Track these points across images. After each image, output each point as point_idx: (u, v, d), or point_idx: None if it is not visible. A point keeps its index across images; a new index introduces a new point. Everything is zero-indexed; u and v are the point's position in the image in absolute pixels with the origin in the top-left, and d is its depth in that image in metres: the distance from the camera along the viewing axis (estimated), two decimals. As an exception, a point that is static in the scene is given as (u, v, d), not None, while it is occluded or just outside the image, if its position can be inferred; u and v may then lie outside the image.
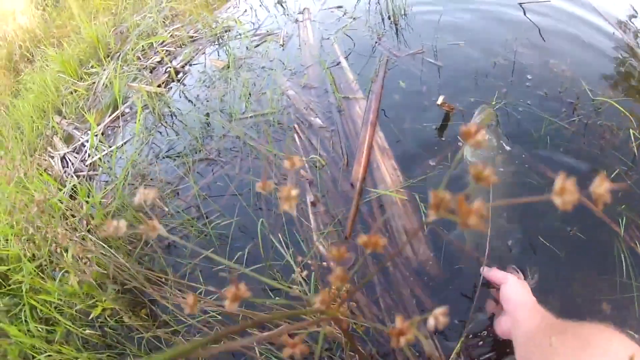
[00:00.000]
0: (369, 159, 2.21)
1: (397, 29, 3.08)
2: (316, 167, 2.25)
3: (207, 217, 2.23)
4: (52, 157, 3.45)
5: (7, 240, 2.37)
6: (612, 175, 1.88)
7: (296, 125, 2.53)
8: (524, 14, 2.96)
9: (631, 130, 2.01)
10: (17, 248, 2.21)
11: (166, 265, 2.11)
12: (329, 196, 2.12)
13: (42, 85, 4.57)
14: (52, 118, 4.01)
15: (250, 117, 2.70)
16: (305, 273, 1.78)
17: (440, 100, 2.20)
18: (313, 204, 2.09)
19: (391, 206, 1.99)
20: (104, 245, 1.99)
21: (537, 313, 1.22)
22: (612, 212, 1.76)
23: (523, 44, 2.68)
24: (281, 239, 1.97)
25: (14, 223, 2.31)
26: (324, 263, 1.88)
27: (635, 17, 2.91)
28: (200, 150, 2.65)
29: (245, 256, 1.98)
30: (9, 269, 2.29)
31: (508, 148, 2.04)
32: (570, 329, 1.02)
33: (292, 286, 1.78)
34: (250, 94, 2.86)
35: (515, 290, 1.33)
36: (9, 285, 2.23)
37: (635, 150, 1.96)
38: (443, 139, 2.21)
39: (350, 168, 2.20)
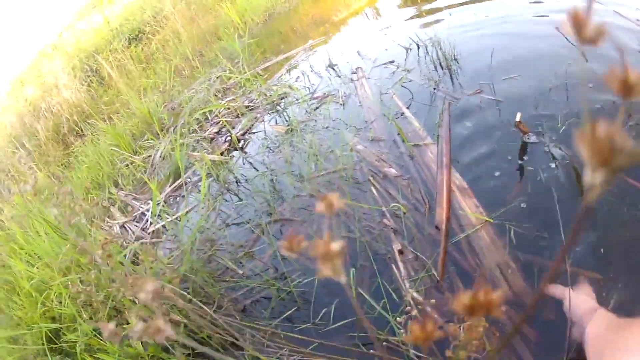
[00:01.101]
0: (450, 200, 2.20)
1: (451, 74, 3.15)
2: (397, 215, 2.24)
3: (287, 277, 2.20)
4: (111, 227, 3.49)
5: (60, 301, 2.39)
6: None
7: (371, 177, 2.54)
8: (564, 36, 3.00)
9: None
10: (72, 308, 2.23)
11: (243, 327, 2.05)
12: (416, 242, 2.09)
13: (95, 158, 4.72)
14: (108, 190, 4.10)
15: (322, 175, 2.73)
16: (402, 319, 1.73)
17: (518, 117, 2.24)
18: (400, 252, 2.06)
19: (480, 243, 1.95)
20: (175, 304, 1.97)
21: (601, 317, 1.26)
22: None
23: (570, 63, 2.71)
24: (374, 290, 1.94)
25: (69, 283, 2.33)
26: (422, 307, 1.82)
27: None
28: (272, 213, 2.66)
29: (332, 313, 1.94)
30: (61, 328, 2.31)
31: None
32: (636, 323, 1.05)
33: (390, 337, 1.73)
34: (318, 154, 2.90)
35: (575, 304, 1.42)
36: (60, 344, 2.25)
37: None
38: (520, 167, 2.21)
39: (432, 212, 2.19)
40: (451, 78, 3.10)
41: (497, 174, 2.21)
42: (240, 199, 2.94)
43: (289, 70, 4.50)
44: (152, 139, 4.55)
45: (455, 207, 2.16)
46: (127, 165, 4.45)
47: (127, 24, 9.58)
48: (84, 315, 2.19)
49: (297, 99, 3.74)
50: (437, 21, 4.11)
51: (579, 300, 1.44)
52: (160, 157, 4.20)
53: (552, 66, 2.71)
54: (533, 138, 2.26)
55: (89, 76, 8.85)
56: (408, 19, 4.51)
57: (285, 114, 3.61)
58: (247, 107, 4.10)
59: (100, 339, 2.05)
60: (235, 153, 3.54)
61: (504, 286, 1.77)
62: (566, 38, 2.98)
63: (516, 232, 1.90)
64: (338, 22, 5.62)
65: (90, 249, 2.15)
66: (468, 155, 2.42)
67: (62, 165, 6.05)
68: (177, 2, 8.46)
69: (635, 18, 2.90)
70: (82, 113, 7.31)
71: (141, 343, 1.89)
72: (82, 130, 6.87)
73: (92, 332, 2.10)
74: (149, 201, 3.59)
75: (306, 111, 3.50)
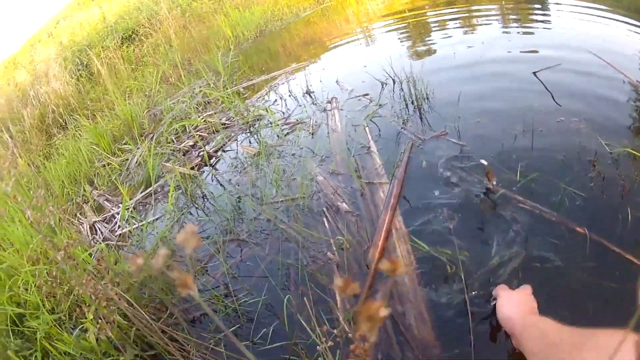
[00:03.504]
0: (386, 242, 2.33)
1: (420, 113, 3.32)
2: (342, 248, 2.38)
3: (235, 295, 2.33)
4: (82, 224, 3.61)
5: (26, 288, 2.53)
6: (630, 221, 1.98)
7: (325, 209, 2.69)
8: (539, 80, 3.22)
9: (651, 172, 2.13)
10: (37, 297, 2.37)
11: (190, 336, 2.15)
12: (354, 277, 2.20)
13: (75, 153, 4.86)
14: (84, 187, 4.23)
15: (281, 201, 2.89)
16: (330, 344, 1.83)
17: (485, 163, 2.39)
18: (340, 285, 2.19)
19: (402, 289, 2.07)
20: (130, 305, 2.07)
21: (527, 328, 1.29)
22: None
23: (540, 110, 2.88)
24: (310, 318, 2.02)
25: (37, 272, 2.48)
26: (349, 335, 1.93)
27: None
28: (231, 232, 2.80)
29: (269, 334, 2.06)
30: (25, 314, 2.43)
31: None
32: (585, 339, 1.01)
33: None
34: (281, 180, 3.08)
35: (500, 309, 1.47)
36: (23, 328, 2.37)
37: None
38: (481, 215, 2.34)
39: (372, 251, 2.34)
40: (420, 117, 3.27)
41: (443, 222, 2.33)
42: (206, 214, 3.07)
43: (268, 92, 4.69)
44: (130, 144, 4.69)
45: (390, 250, 2.29)
46: (104, 165, 4.57)
47: (122, 22, 9.74)
48: (47, 305, 2.31)
49: (270, 123, 3.91)
50: (418, 55, 4.32)
51: (500, 305, 1.48)
52: (136, 163, 4.34)
53: (522, 114, 2.88)
54: (496, 187, 2.38)
55: (79, 70, 8.97)
56: (393, 47, 4.73)
57: (257, 135, 3.78)
58: (223, 124, 4.27)
59: (59, 330, 2.18)
60: (205, 169, 3.69)
61: (413, 331, 1.90)
62: (542, 82, 3.16)
63: (440, 284, 2.03)
64: (328, 43, 5.81)
65: (59, 244, 2.27)
66: (420, 197, 2.55)
67: (43, 154, 6.17)
68: (172, 7, 8.63)
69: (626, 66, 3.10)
70: (68, 106, 7.43)
71: (95, 339, 1.99)
72: (65, 123, 6.99)
73: (52, 322, 2.23)
74: (121, 204, 3.71)
75: (277, 136, 3.66)
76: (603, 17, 4.44)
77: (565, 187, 2.25)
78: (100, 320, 1.94)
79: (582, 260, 1.91)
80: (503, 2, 5.32)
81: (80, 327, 2.13)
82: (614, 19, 4.28)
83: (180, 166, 3.71)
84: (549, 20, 4.57)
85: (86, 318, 1.98)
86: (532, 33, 4.31)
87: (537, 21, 4.61)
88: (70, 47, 10.24)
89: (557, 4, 5.14)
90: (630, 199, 2.10)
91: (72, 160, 4.82)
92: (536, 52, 3.75)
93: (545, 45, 3.85)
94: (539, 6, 5.18)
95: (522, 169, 2.43)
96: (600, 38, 3.74)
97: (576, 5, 4.83)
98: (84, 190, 4.20)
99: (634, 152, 2.26)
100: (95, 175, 4.50)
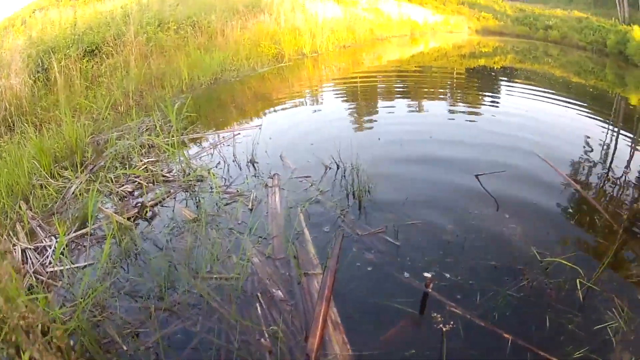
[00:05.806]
0: (323, 332, 2.18)
1: (360, 205, 3.15)
2: (276, 338, 2.17)
3: None
4: (14, 246, 3.18)
5: None
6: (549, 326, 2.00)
7: (259, 294, 2.45)
8: (480, 184, 3.22)
9: (578, 280, 2.16)
10: None
11: None
12: None
13: (16, 163, 4.29)
14: (20, 204, 3.76)
15: (215, 278, 2.59)
16: None
17: (429, 275, 2.28)
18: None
19: None
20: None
21: None
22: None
23: (477, 215, 2.85)
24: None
25: None
26: None
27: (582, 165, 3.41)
28: (162, 299, 2.47)
29: None
30: None
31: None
32: None
33: None
34: (217, 256, 2.75)
35: None
36: None
37: (581, 296, 2.14)
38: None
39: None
40: (359, 209, 3.10)
41: (376, 315, 2.27)
42: (139, 274, 2.72)
43: (212, 151, 4.37)
44: (70, 171, 4.24)
45: (325, 340, 2.14)
46: (42, 187, 4.10)
47: (90, 34, 9.04)
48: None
49: (211, 188, 3.57)
50: (365, 138, 4.27)
51: None
52: (72, 194, 3.92)
53: (459, 218, 2.84)
54: (434, 293, 2.30)
55: (38, 72, 8.22)
56: (342, 124, 4.68)
57: (197, 198, 3.45)
58: (164, 177, 3.86)
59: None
60: (141, 222, 3.29)
61: None
62: (483, 187, 3.13)
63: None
64: (277, 103, 5.64)
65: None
66: (351, 292, 2.43)
67: (-15, 153, 5.52)
68: (140, 32, 8.12)
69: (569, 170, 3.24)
70: (20, 108, 6.77)
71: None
72: (14, 125, 6.34)
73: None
74: (52, 237, 3.30)
75: (216, 204, 3.33)
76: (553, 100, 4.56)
77: (499, 292, 2.23)
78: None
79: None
80: (454, 79, 5.38)
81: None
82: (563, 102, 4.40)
83: (117, 212, 3.36)
84: (497, 104, 4.64)
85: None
86: (476, 122, 4.36)
87: (485, 104, 4.67)
88: (37, 45, 9.45)
89: (508, 85, 5.25)
90: (555, 306, 2.12)
91: (13, 171, 4.30)
92: (482, 149, 3.79)
93: (491, 138, 3.95)
94: (488, 91, 5.27)
95: (454, 275, 2.38)
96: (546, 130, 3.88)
97: (525, 88, 4.95)
98: (20, 207, 3.73)
99: (563, 261, 2.27)
100: (31, 194, 4.01)
